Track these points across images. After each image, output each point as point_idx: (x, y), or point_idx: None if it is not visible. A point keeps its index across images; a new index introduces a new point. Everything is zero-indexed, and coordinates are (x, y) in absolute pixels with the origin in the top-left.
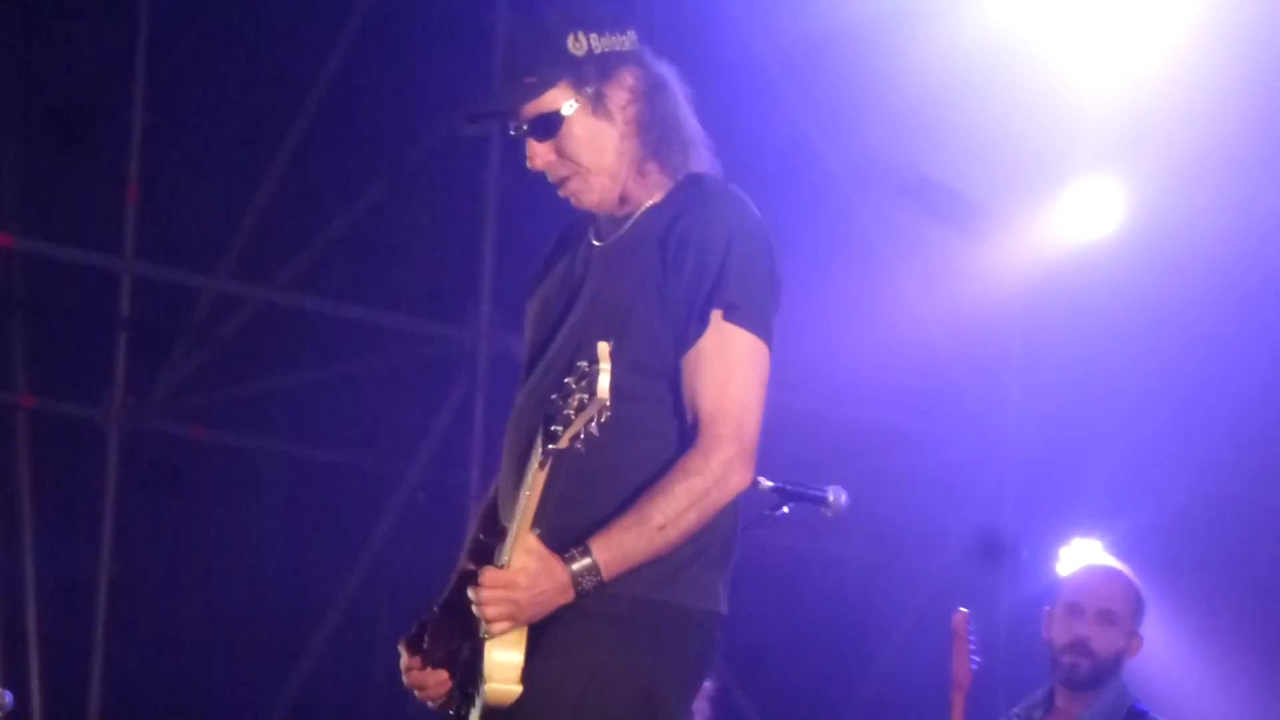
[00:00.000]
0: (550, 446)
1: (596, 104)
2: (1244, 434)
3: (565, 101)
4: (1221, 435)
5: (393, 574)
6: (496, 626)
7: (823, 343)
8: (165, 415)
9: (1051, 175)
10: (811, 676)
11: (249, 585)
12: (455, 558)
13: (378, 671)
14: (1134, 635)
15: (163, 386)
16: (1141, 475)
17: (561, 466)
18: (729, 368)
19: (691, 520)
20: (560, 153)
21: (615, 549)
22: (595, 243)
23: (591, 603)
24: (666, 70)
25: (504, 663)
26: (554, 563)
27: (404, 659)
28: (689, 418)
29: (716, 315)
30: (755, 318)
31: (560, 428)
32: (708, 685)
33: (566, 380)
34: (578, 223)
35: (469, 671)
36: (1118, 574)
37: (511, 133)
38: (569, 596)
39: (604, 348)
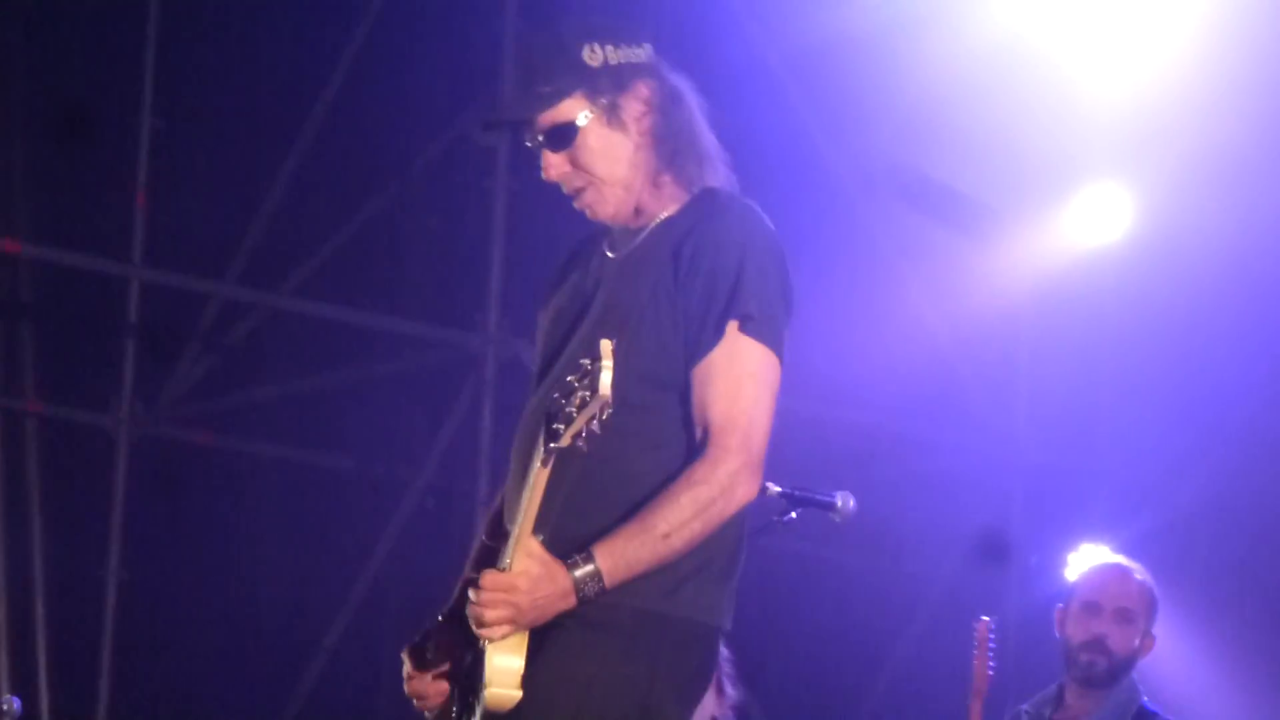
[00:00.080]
0: (552, 445)
1: (611, 115)
2: (1252, 438)
3: (580, 112)
4: (1229, 440)
5: (400, 579)
6: (495, 630)
7: (830, 348)
8: (173, 421)
9: (1060, 180)
10: (819, 682)
11: (257, 590)
12: (463, 564)
13: (385, 676)
14: (1148, 634)
15: (171, 392)
16: (1149, 480)
17: (567, 470)
18: (739, 379)
19: (696, 530)
20: (575, 164)
21: (619, 556)
22: (609, 254)
23: (593, 612)
24: (682, 83)
25: (505, 668)
26: (556, 568)
27: (406, 667)
28: (698, 428)
29: (731, 327)
30: (768, 330)
31: (562, 425)
32: (731, 693)
33: (569, 378)
34: (592, 234)
35: (470, 678)
36: (1133, 572)
37: (527, 143)
38: (570, 602)
39: (606, 345)
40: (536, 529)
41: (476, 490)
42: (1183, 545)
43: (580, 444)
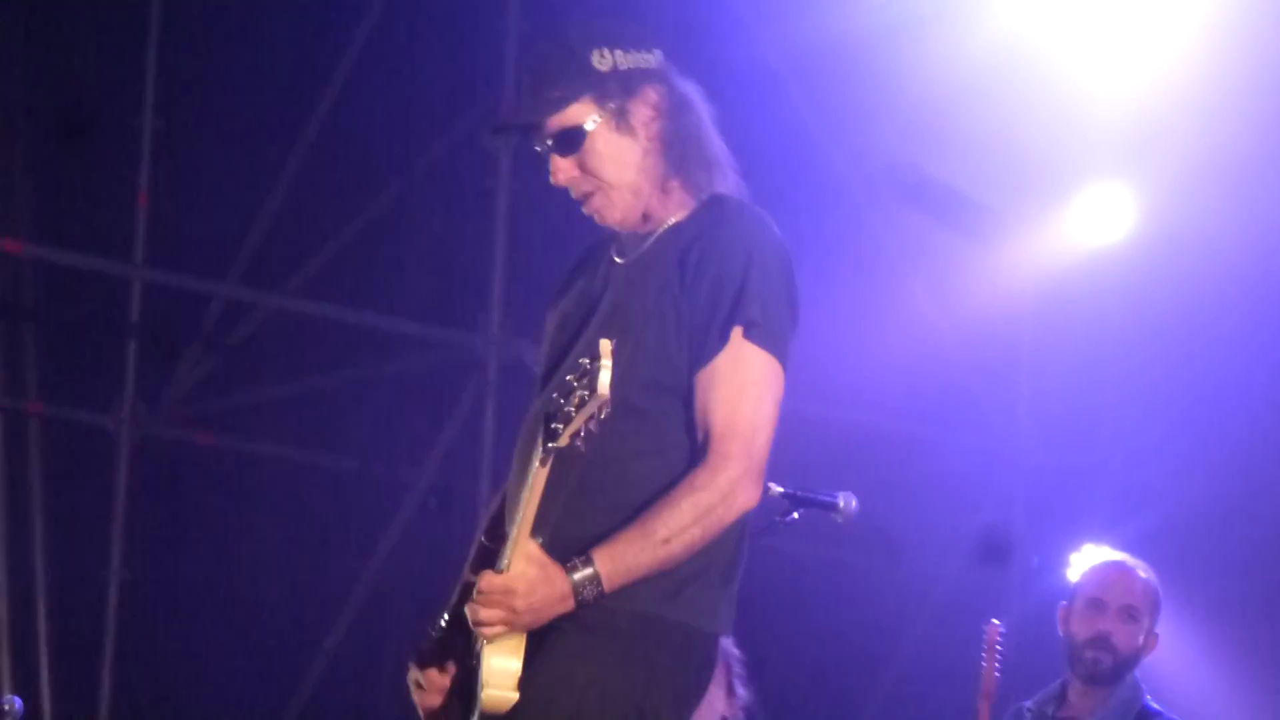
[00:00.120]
0: (550, 444)
1: (620, 120)
2: (1255, 439)
3: (588, 117)
4: (1232, 440)
5: (402, 580)
6: (491, 630)
7: (833, 349)
8: (176, 421)
9: (1062, 181)
10: (822, 683)
11: (259, 591)
12: (463, 564)
13: (386, 677)
14: (1152, 632)
15: (173, 393)
16: (1152, 480)
17: (568, 472)
18: (742, 386)
19: (696, 536)
20: (583, 168)
21: (618, 560)
22: (617, 259)
23: (591, 615)
24: (691, 89)
25: (502, 669)
26: (554, 571)
27: (412, 673)
28: (700, 434)
29: (736, 333)
30: (772, 337)
31: (561, 425)
32: (742, 694)
33: (568, 378)
34: (601, 240)
35: (469, 679)
36: (1137, 569)
37: (536, 148)
38: (568, 606)
39: (606, 345)
40: (536, 531)
41: (478, 491)
42: (1185, 546)
43: (579, 444)
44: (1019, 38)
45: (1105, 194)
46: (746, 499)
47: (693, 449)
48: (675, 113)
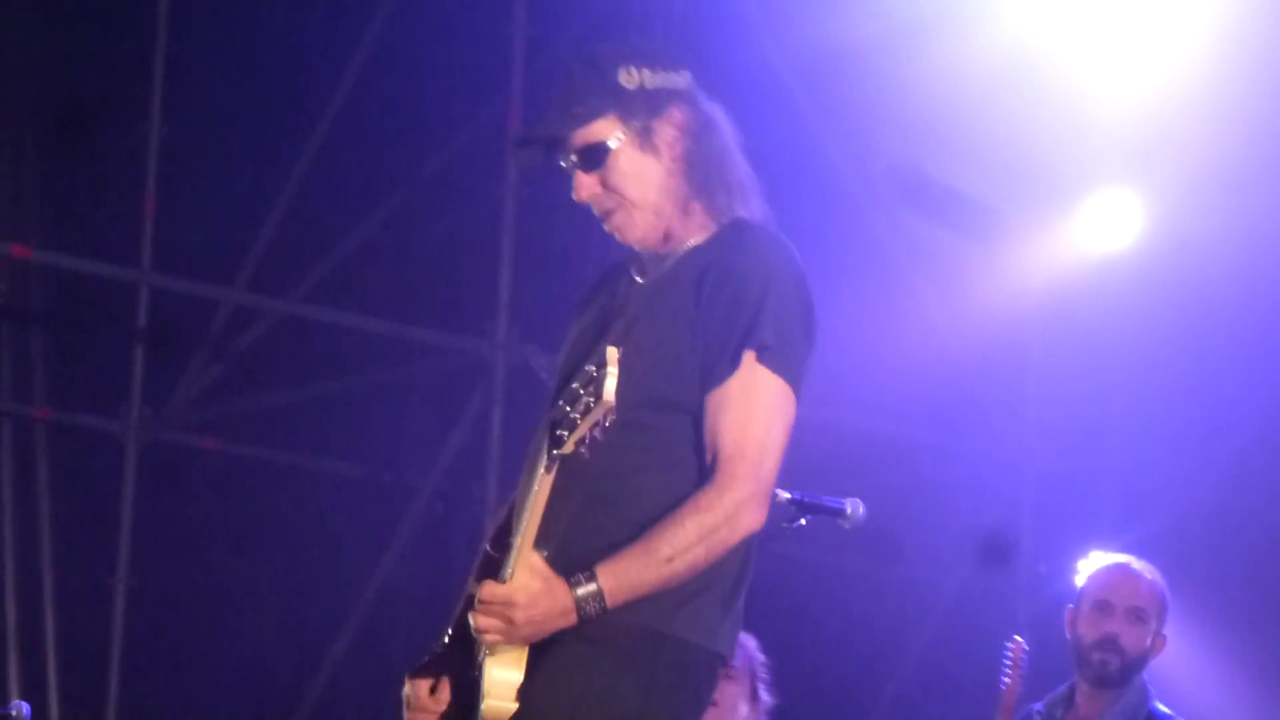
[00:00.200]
0: (556, 451)
1: (644, 138)
2: (1262, 444)
3: (613, 134)
4: (1239, 445)
5: (410, 586)
6: (489, 638)
7: (839, 354)
8: (183, 427)
9: (1069, 187)
10: (828, 689)
11: (266, 597)
12: (469, 571)
13: (393, 683)
14: (1159, 634)
15: (180, 398)
16: (1159, 486)
17: (575, 486)
18: (753, 409)
19: (700, 555)
20: (606, 185)
21: (621, 577)
22: (637, 279)
23: (591, 628)
24: (717, 112)
25: (503, 680)
26: (557, 585)
27: (407, 689)
28: (709, 455)
29: (749, 356)
30: (786, 362)
31: (566, 432)
32: (765, 699)
33: (574, 385)
34: (622, 260)
35: (470, 689)
36: (1144, 571)
37: (560, 163)
38: (570, 620)
39: (612, 352)
40: (541, 543)
41: (485, 496)
42: (1192, 550)
43: (583, 450)
44: (1026, 43)
45: (1112, 200)
46: (752, 521)
47: (701, 469)
48: (700, 134)
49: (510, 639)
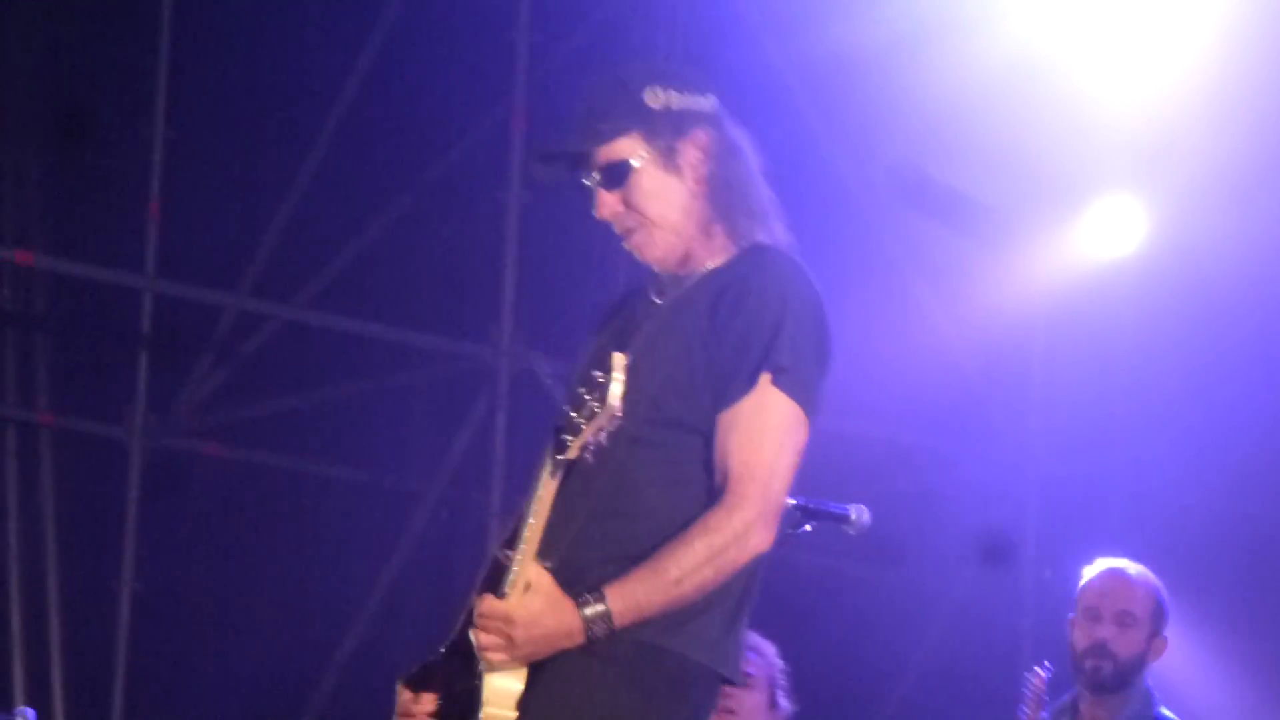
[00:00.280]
0: (560, 456)
1: (667, 159)
2: (1267, 449)
3: (636, 152)
4: (1244, 450)
5: (414, 591)
6: (490, 655)
7: (844, 361)
8: (187, 433)
9: (1074, 192)
10: (833, 696)
11: (270, 603)
12: (475, 575)
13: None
14: (1155, 637)
15: (184, 404)
16: (1164, 491)
17: (581, 499)
18: (764, 431)
19: (707, 576)
20: (627, 204)
21: (629, 598)
22: (655, 300)
23: (594, 642)
24: (743, 137)
25: (503, 689)
26: (563, 604)
27: (401, 697)
28: (719, 475)
29: (764, 379)
30: (800, 385)
31: (570, 437)
32: (785, 706)
33: (579, 390)
34: (641, 281)
35: (470, 697)
36: (1135, 576)
37: (584, 181)
38: (577, 641)
39: (619, 359)
40: (546, 554)
41: (490, 502)
42: (1198, 556)
43: (588, 456)
44: (1030, 49)
45: (1116, 206)
46: (759, 541)
47: (710, 488)
48: (724, 157)
49: (512, 657)
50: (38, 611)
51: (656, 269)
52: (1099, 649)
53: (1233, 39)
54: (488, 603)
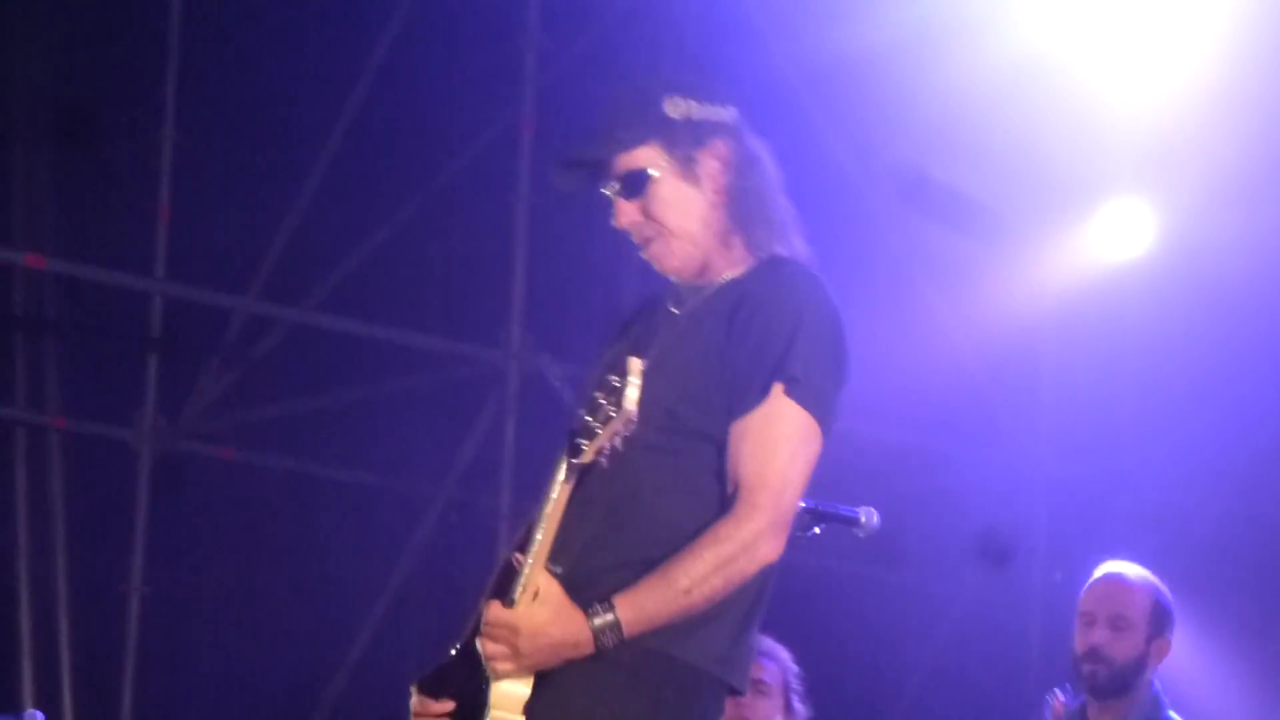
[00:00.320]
0: (574, 460)
1: (686, 169)
2: (1278, 452)
3: (655, 162)
4: (1254, 453)
5: (424, 594)
6: (496, 665)
7: (853, 363)
8: (196, 436)
9: (1082, 196)
10: (839, 699)
11: (279, 606)
12: (484, 578)
13: (407, 694)
14: (1155, 639)
15: (194, 407)
16: (1174, 495)
17: (594, 504)
18: (777, 440)
19: (717, 586)
20: (646, 213)
21: (639, 608)
22: (673, 310)
23: None
24: (762, 149)
25: (509, 693)
26: (572, 614)
27: (413, 700)
28: (730, 485)
29: (777, 388)
30: (814, 397)
31: (585, 441)
32: (800, 709)
33: (596, 394)
34: (659, 291)
35: (476, 701)
36: (1132, 579)
37: (603, 190)
38: (586, 651)
39: (635, 363)
40: (558, 558)
41: (499, 505)
42: (1208, 560)
43: (603, 461)
44: (1039, 51)
45: (1125, 209)
46: (769, 551)
47: (723, 497)
48: (744, 168)
49: (517, 666)
50: (47, 614)
51: (674, 279)
52: (1094, 654)
53: (1241, 41)
54: (494, 611)
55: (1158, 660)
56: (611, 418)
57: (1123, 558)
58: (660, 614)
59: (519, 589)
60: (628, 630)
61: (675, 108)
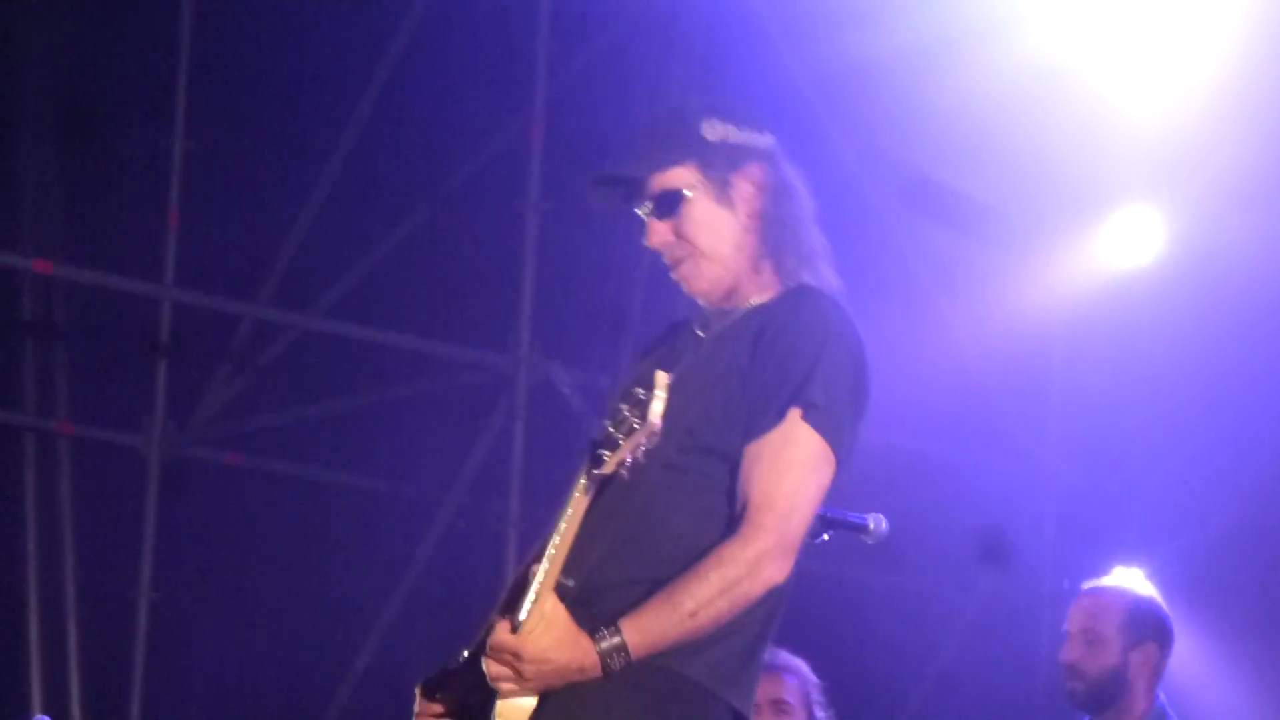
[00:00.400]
0: (595, 471)
1: (721, 191)
2: None
3: (690, 182)
4: (1263, 460)
5: (432, 601)
6: (499, 685)
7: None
8: (205, 442)
9: (1092, 202)
10: (848, 706)
11: (288, 611)
12: (493, 584)
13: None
14: (1133, 649)
15: (203, 413)
16: (1183, 501)
17: (609, 521)
18: (789, 464)
19: (722, 608)
20: (678, 234)
21: (645, 632)
22: (699, 333)
23: None
24: (797, 178)
25: (515, 705)
26: (577, 640)
27: (418, 703)
28: (739, 506)
29: (794, 413)
30: (831, 424)
31: (607, 451)
32: (821, 717)
33: (620, 405)
34: (688, 316)
35: (483, 710)
36: (1102, 592)
37: (636, 210)
38: (592, 674)
39: (662, 377)
40: (570, 571)
41: (507, 511)
42: (1217, 566)
43: (624, 473)
44: (1049, 58)
45: (1135, 216)
46: (773, 573)
47: (733, 518)
48: (777, 195)
49: (521, 688)
50: (55, 619)
51: (701, 302)
52: (1071, 670)
53: (1252, 48)
54: (499, 635)
55: (1147, 669)
56: (635, 429)
57: (1131, 564)
58: (666, 636)
59: (525, 609)
60: (635, 653)
61: (713, 130)
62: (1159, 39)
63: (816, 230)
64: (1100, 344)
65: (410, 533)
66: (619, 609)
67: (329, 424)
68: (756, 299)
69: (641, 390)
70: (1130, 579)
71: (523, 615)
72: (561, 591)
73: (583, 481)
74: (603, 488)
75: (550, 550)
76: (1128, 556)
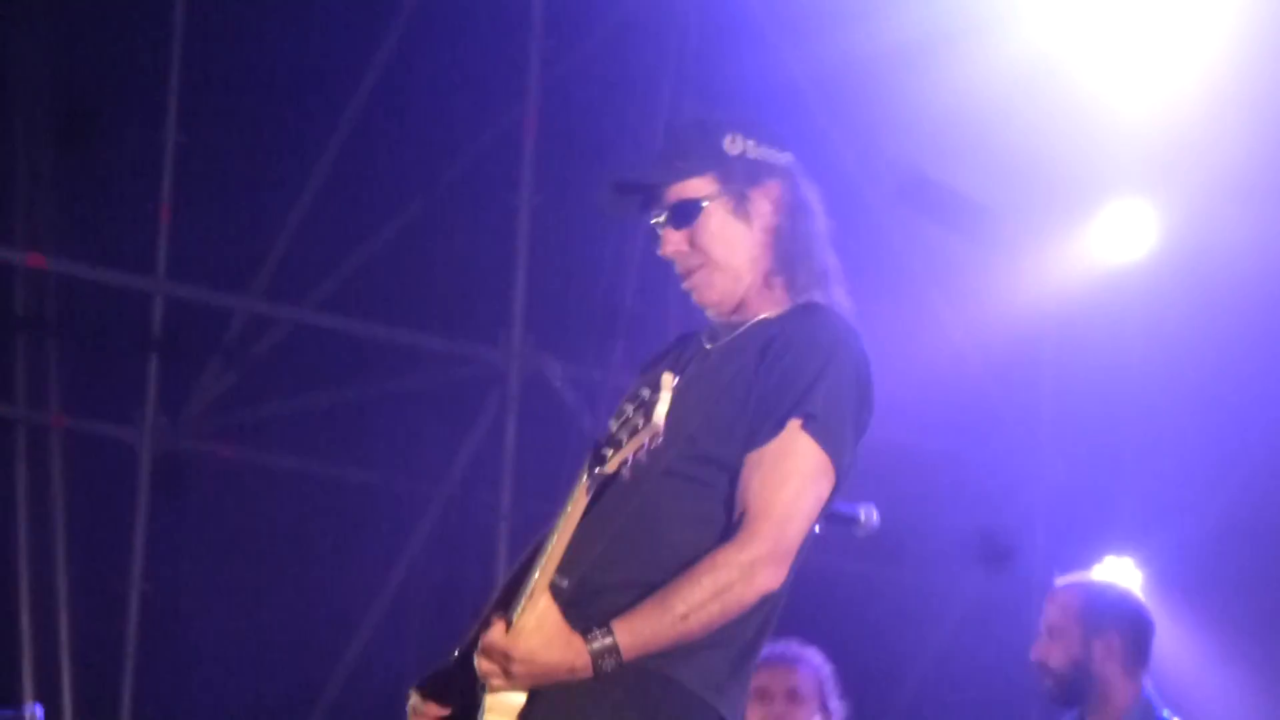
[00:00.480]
0: (597, 469)
1: (738, 204)
2: (1278, 453)
3: (708, 193)
4: (1256, 456)
5: (423, 594)
6: (490, 682)
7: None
8: (197, 435)
9: (1084, 197)
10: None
11: (280, 603)
12: (484, 577)
13: (407, 692)
14: (1094, 638)
15: (195, 406)
16: (1174, 496)
17: (610, 526)
18: (787, 473)
19: (714, 612)
20: (693, 244)
21: (637, 634)
22: (706, 345)
23: None
24: (814, 197)
25: (505, 702)
26: (569, 641)
27: (411, 700)
28: (736, 513)
29: (795, 423)
30: (831, 436)
31: (610, 450)
32: (836, 708)
33: (625, 405)
34: (695, 329)
35: (473, 708)
36: (1064, 587)
37: (651, 219)
38: (585, 675)
39: (668, 378)
40: (566, 571)
41: (499, 504)
42: (1208, 561)
43: (625, 473)
44: (1042, 54)
45: (1127, 210)
46: (767, 579)
47: (729, 526)
48: (794, 213)
49: (511, 686)
50: (47, 611)
51: (710, 314)
52: (1039, 666)
53: (1245, 44)
54: (491, 634)
55: (1113, 659)
56: (639, 429)
57: (1122, 558)
58: (658, 639)
59: (519, 608)
60: (626, 654)
61: (734, 144)
62: (1151, 34)
63: (831, 251)
64: (1092, 339)
65: (402, 526)
66: (612, 611)
67: (321, 417)
68: (765, 313)
69: (647, 390)
70: (1114, 571)
71: (516, 614)
72: (555, 591)
73: (584, 480)
74: (603, 488)
75: (548, 547)
76: (1118, 550)
